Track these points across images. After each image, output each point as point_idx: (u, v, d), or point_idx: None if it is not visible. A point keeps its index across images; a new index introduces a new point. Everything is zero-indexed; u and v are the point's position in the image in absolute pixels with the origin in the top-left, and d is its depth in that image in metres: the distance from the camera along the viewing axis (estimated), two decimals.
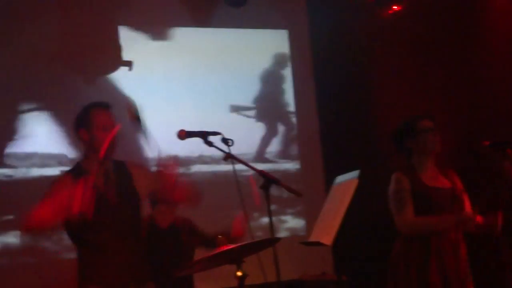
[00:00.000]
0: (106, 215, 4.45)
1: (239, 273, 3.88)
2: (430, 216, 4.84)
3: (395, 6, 7.32)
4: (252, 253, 4.09)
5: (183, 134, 4.38)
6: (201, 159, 7.74)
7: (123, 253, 4.48)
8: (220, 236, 3.96)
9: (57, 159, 7.16)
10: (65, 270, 6.51)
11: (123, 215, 4.53)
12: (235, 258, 3.91)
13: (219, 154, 4.27)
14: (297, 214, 8.03)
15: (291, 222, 8.02)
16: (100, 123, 4.55)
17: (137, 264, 4.56)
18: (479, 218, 4.94)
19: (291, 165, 8.16)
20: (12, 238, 6.83)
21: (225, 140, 4.28)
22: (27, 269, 6.81)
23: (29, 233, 4.59)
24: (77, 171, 4.52)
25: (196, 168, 7.72)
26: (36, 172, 7.11)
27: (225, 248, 3.84)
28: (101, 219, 4.41)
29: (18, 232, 6.72)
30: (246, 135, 7.83)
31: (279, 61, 8.33)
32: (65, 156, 7.19)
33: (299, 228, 8.03)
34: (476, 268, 5.05)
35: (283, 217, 7.97)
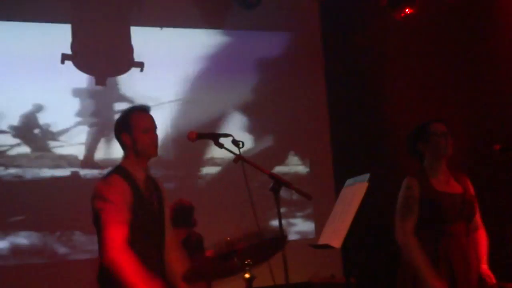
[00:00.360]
0: (149, 220, 4.42)
1: (247, 275, 3.88)
2: (423, 254, 4.80)
3: (407, 9, 7.29)
4: (263, 257, 4.08)
5: (194, 136, 4.38)
6: (212, 161, 7.75)
7: (160, 261, 4.46)
8: (228, 238, 3.95)
9: (67, 160, 7.18)
10: (75, 271, 6.57)
11: (162, 222, 4.52)
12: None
13: (230, 156, 4.27)
14: (306, 217, 8.03)
15: (301, 225, 8.02)
16: (142, 125, 4.52)
17: (166, 272, 4.53)
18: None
19: (301, 168, 8.15)
20: (22, 239, 6.85)
21: (235, 142, 4.27)
22: (37, 270, 6.82)
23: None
24: (124, 174, 4.45)
25: (207, 170, 7.73)
26: (47, 173, 7.13)
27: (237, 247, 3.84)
28: (146, 224, 4.37)
29: (28, 233, 6.74)
30: (256, 137, 7.83)
31: (291, 63, 8.33)
32: (76, 157, 7.21)
33: (308, 231, 8.02)
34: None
35: (293, 220, 7.97)
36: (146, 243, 4.36)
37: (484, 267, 5.01)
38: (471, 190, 5.05)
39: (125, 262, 4.03)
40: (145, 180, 4.48)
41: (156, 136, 4.54)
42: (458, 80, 7.43)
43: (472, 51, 7.40)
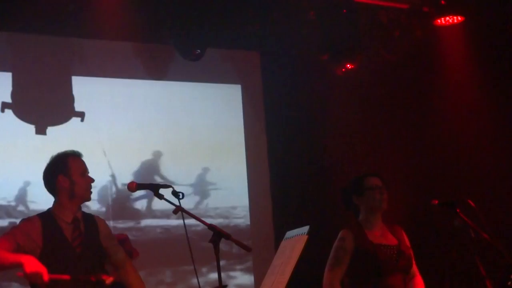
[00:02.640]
0: (70, 263, 4.46)
1: None
2: None
3: (348, 64, 7.40)
4: None
5: (134, 186, 4.39)
6: (152, 214, 7.69)
7: None
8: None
9: (4, 210, 7.06)
10: None
11: (86, 265, 4.52)
12: None
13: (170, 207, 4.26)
14: (246, 270, 7.99)
15: (240, 278, 7.97)
16: (80, 169, 4.64)
17: None
18: None
19: (241, 221, 8.13)
20: None
21: (175, 193, 4.27)
22: None
23: None
24: (46, 219, 4.54)
25: (147, 222, 7.67)
26: None
27: None
28: (66, 266, 4.42)
29: None
30: (198, 188, 7.80)
31: (232, 115, 8.34)
32: (14, 207, 7.09)
33: (248, 284, 7.98)
34: None
35: (232, 273, 7.92)
36: (67, 284, 4.38)
37: None
38: (406, 241, 5.10)
39: None
40: (72, 222, 4.53)
41: (92, 180, 4.62)
42: (398, 134, 7.54)
43: (412, 105, 7.54)
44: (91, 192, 4.68)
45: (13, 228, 4.60)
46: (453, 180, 7.07)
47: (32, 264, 4.17)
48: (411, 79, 7.55)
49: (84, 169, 4.67)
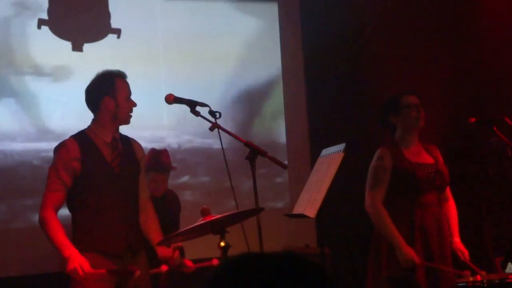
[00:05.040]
0: (109, 182, 4.53)
1: (222, 244, 3.90)
2: (392, 225, 4.83)
3: None
4: (236, 222, 4.12)
5: (171, 99, 4.39)
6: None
7: (121, 221, 4.52)
8: (204, 206, 3.97)
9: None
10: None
11: (124, 185, 4.59)
12: (219, 228, 3.92)
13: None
14: (281, 186, 8.01)
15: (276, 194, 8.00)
16: (125, 92, 4.64)
17: (133, 233, 4.60)
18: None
19: (277, 138, 8.12)
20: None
21: (212, 113, 4.28)
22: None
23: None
24: (81, 139, 4.58)
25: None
26: None
27: (209, 218, 3.86)
28: (104, 185, 4.50)
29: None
30: (232, 108, 7.79)
31: (268, 34, 8.27)
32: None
33: (284, 202, 8.01)
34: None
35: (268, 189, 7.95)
36: (105, 200, 4.51)
37: (456, 240, 5.06)
38: (441, 160, 5.09)
39: (48, 223, 4.39)
40: (111, 142, 4.55)
41: (135, 104, 4.62)
42: (436, 51, 7.45)
43: (449, 25, 7.43)
44: (131, 116, 4.67)
45: (53, 163, 4.56)
46: (491, 98, 7.00)
47: (73, 261, 4.28)
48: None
49: (129, 92, 4.65)
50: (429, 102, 5.25)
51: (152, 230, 4.72)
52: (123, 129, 4.78)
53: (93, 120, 4.65)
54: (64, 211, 4.68)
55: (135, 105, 4.65)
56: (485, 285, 4.42)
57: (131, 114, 4.65)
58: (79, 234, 4.49)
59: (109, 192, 4.51)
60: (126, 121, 4.66)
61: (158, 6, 7.66)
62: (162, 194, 5.82)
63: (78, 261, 4.25)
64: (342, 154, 4.27)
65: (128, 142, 4.75)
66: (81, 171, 4.48)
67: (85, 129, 4.66)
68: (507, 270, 5.10)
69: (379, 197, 4.90)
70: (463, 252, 5.00)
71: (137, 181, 4.70)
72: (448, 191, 5.15)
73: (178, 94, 4.43)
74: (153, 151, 5.90)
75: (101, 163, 4.54)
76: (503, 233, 6.44)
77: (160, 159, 5.84)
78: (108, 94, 4.57)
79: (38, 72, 6.93)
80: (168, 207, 5.82)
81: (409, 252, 4.75)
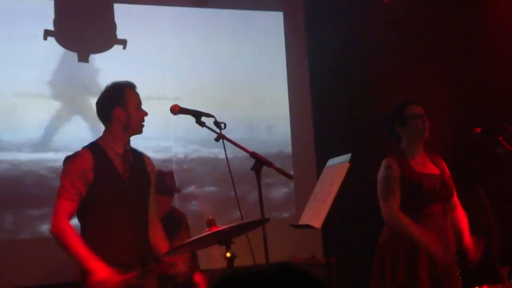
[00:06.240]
0: (120, 193, 4.53)
1: (228, 254, 3.89)
2: (415, 225, 4.83)
3: None
4: (242, 233, 4.12)
5: (177, 109, 4.39)
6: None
7: (131, 232, 4.52)
8: (210, 217, 3.97)
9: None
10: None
11: (134, 197, 4.59)
12: (225, 239, 3.92)
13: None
14: (287, 197, 8.02)
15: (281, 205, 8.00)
16: (136, 102, 4.65)
17: (142, 244, 4.60)
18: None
19: (283, 148, 8.13)
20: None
21: (217, 124, 4.28)
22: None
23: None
24: (95, 150, 4.58)
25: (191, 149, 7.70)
26: None
27: (215, 229, 3.86)
28: (115, 196, 4.50)
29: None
30: (237, 116, 7.79)
31: (273, 43, 8.29)
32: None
33: (289, 213, 8.01)
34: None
35: (274, 199, 7.95)
36: (116, 212, 4.50)
37: (468, 235, 5.04)
38: (447, 171, 5.08)
39: (67, 234, 4.35)
40: (123, 154, 4.56)
41: (146, 114, 4.64)
42: (442, 63, 7.45)
43: (456, 35, 7.43)
44: (143, 126, 4.69)
45: (67, 172, 4.51)
46: (496, 108, 7.00)
47: (100, 274, 4.28)
48: (457, 6, 7.44)
49: (139, 102, 4.66)
50: (435, 112, 5.24)
51: (159, 242, 4.72)
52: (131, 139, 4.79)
53: (105, 131, 4.66)
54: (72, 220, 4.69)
55: (146, 114, 4.66)
56: None
57: (143, 123, 4.66)
58: (88, 244, 4.48)
59: (119, 203, 4.51)
60: (139, 130, 4.67)
61: (165, 16, 7.69)
62: (164, 215, 5.80)
63: (104, 274, 4.27)
64: (348, 165, 4.27)
65: (139, 155, 4.76)
66: (93, 182, 4.49)
67: (97, 140, 4.68)
68: None
69: (395, 206, 4.88)
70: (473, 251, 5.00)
71: (147, 194, 4.71)
72: (455, 200, 5.14)
73: (184, 104, 4.43)
74: (158, 171, 5.91)
75: (114, 174, 4.54)
76: (510, 243, 6.42)
77: (164, 181, 5.84)
78: (118, 104, 4.58)
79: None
80: (171, 225, 5.78)
81: (439, 253, 4.76)
